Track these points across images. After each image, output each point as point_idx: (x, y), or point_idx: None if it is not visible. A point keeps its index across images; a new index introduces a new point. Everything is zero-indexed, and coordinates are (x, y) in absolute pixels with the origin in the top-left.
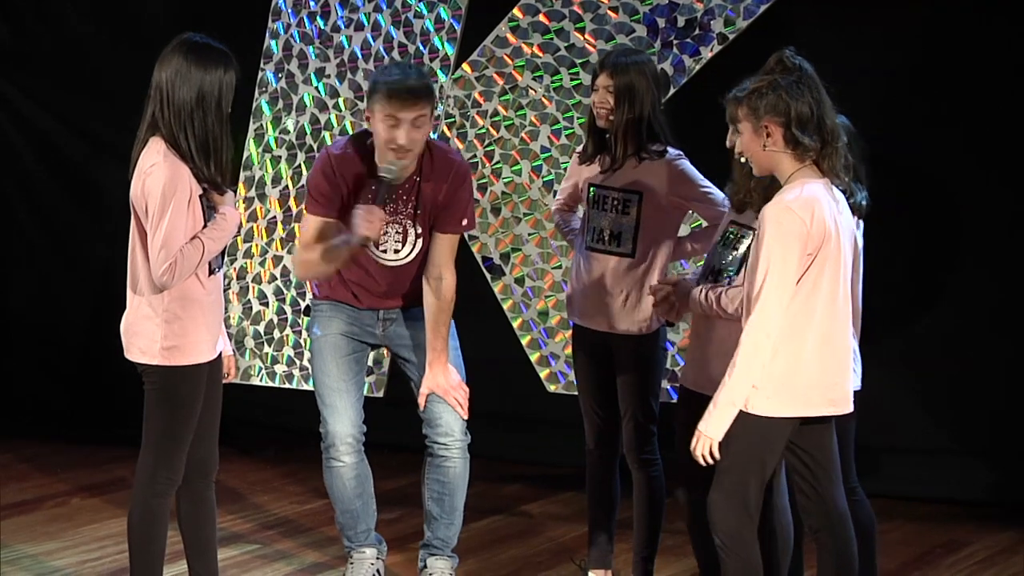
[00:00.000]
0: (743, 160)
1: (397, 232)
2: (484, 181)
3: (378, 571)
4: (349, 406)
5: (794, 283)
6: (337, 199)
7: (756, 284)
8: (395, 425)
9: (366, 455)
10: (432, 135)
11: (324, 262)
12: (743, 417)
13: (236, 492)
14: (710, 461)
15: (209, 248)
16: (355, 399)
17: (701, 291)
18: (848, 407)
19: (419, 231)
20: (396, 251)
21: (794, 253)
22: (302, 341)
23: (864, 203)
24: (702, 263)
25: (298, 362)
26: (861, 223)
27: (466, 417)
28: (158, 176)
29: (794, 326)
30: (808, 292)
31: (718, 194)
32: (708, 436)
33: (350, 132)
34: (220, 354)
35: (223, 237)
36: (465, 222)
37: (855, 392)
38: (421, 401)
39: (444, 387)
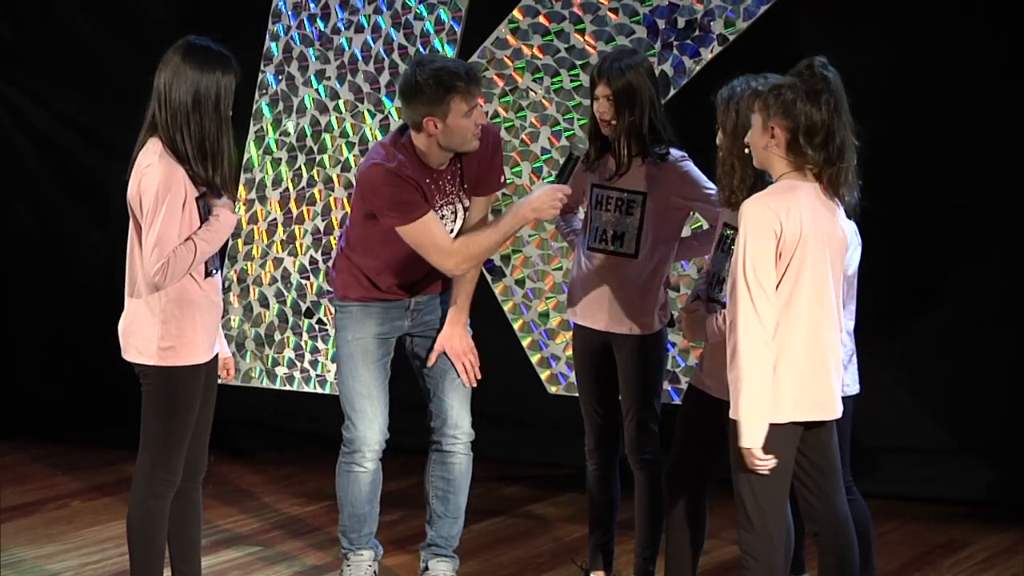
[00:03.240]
0: (747, 151)
1: (452, 211)
2: None
3: (375, 573)
4: (379, 413)
5: (772, 276)
6: (422, 195)
7: (737, 280)
8: (397, 426)
9: None
10: None
11: (499, 242)
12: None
13: (237, 494)
14: (763, 466)
15: (202, 249)
16: (384, 405)
17: (718, 317)
18: (837, 412)
19: (466, 204)
20: (452, 230)
21: (769, 247)
22: (303, 343)
23: (851, 204)
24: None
25: (299, 364)
26: (852, 221)
27: (473, 384)
28: (153, 176)
29: (780, 331)
30: (788, 297)
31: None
32: (747, 447)
33: (350, 135)
34: (216, 356)
35: (216, 238)
36: (503, 179)
37: (854, 396)
38: (432, 357)
39: (457, 350)
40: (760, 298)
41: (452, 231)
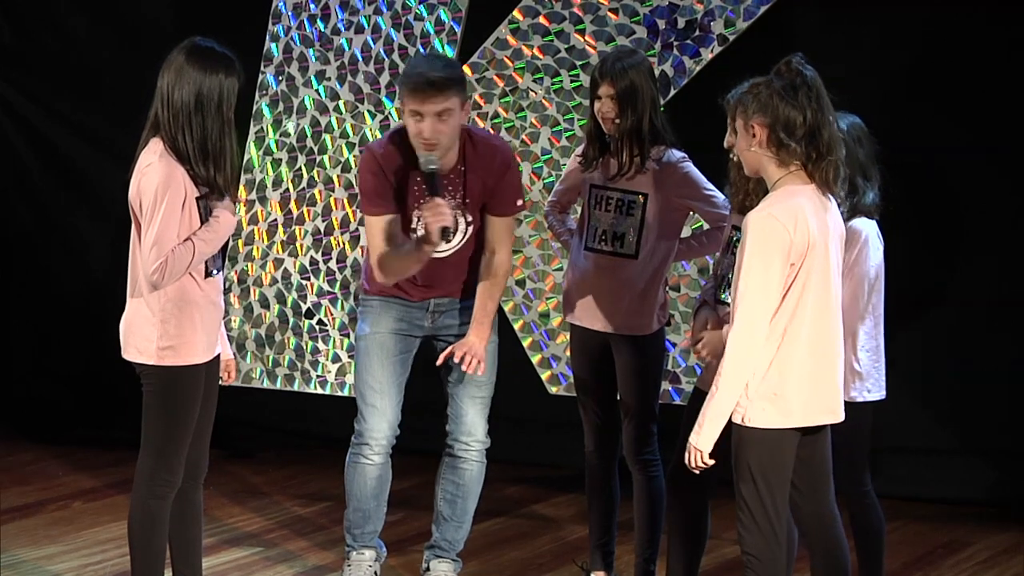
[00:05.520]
0: (736, 159)
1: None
2: None
3: (376, 573)
4: (389, 408)
5: (778, 291)
6: (390, 194)
7: (739, 293)
8: (402, 427)
9: None
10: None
11: (411, 264)
12: (749, 433)
13: (238, 494)
14: (701, 468)
15: (200, 249)
16: (396, 401)
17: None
18: (841, 415)
19: (469, 219)
20: (447, 241)
21: (776, 261)
22: (303, 344)
23: (872, 203)
24: (705, 263)
25: (299, 365)
26: (874, 221)
27: (474, 372)
28: (152, 175)
29: (785, 337)
30: (795, 302)
31: (720, 196)
32: (698, 448)
33: (351, 135)
34: (218, 356)
35: (215, 239)
36: (520, 203)
37: (878, 401)
38: (442, 357)
39: (471, 347)
40: (760, 314)
41: (448, 242)
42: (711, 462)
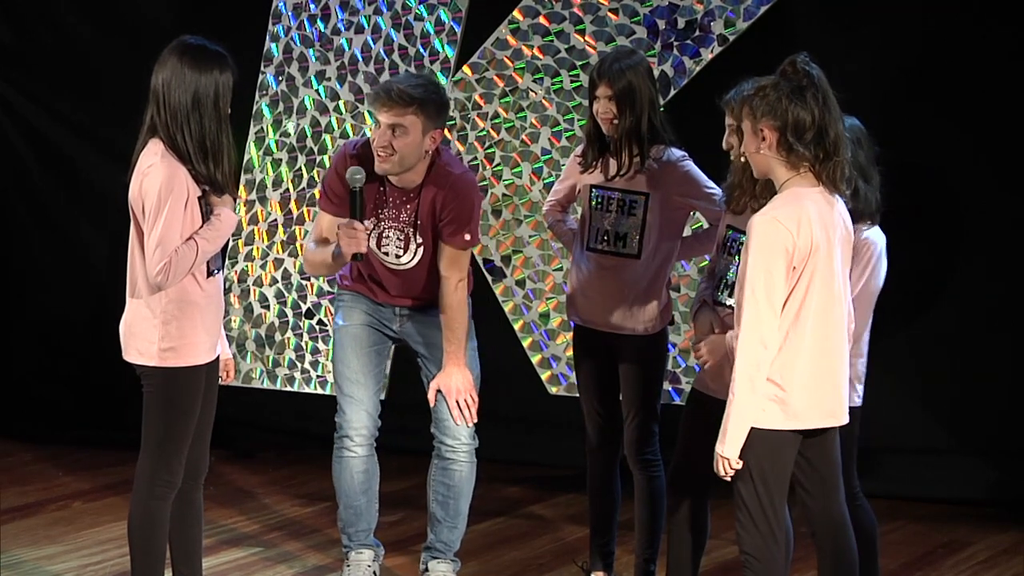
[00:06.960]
0: (743, 160)
1: (399, 238)
2: (484, 183)
3: (375, 573)
4: (366, 398)
5: (782, 293)
6: (344, 198)
7: (744, 296)
8: (397, 428)
9: None
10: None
11: (327, 267)
12: (751, 433)
13: (238, 495)
14: (731, 474)
15: (204, 248)
16: (374, 392)
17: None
18: (845, 418)
19: (419, 240)
20: (398, 256)
21: (780, 264)
22: (303, 344)
23: (876, 206)
24: (704, 264)
25: (299, 365)
26: (876, 226)
27: (469, 425)
28: (155, 176)
29: (788, 339)
30: (798, 305)
31: (721, 195)
32: (725, 456)
33: (351, 135)
34: (218, 357)
35: (218, 238)
36: (468, 237)
37: (858, 407)
38: (430, 396)
39: (451, 388)
40: (767, 317)
41: (399, 257)
42: (739, 465)
